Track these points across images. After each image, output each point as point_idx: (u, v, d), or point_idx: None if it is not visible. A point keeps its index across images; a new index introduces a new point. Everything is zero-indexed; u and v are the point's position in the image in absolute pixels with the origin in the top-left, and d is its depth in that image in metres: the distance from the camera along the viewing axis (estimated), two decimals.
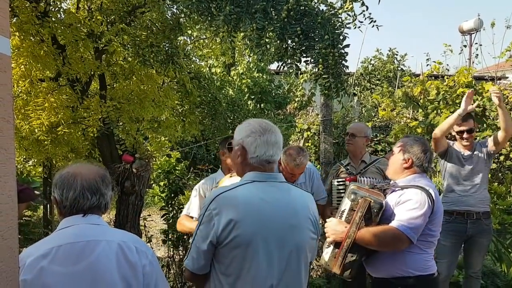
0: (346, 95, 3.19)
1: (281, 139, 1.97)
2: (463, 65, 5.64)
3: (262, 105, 8.05)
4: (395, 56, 13.12)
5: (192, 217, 3.19)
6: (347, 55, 2.89)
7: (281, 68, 3.25)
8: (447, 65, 6.44)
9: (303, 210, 1.93)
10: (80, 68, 3.54)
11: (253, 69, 7.86)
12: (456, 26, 14.43)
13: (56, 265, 1.55)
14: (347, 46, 2.93)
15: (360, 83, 12.73)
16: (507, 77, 14.29)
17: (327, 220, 2.68)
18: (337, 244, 2.54)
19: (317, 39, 2.81)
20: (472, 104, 3.83)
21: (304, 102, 9.40)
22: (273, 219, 1.83)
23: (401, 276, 2.53)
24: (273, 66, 9.30)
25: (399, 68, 12.62)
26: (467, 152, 4.01)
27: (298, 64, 3.03)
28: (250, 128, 1.95)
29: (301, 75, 9.26)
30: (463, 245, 4.07)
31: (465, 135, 3.98)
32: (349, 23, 3.00)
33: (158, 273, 1.74)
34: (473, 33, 14.14)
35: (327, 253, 2.62)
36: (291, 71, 2.93)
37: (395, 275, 2.55)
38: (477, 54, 8.35)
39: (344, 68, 2.97)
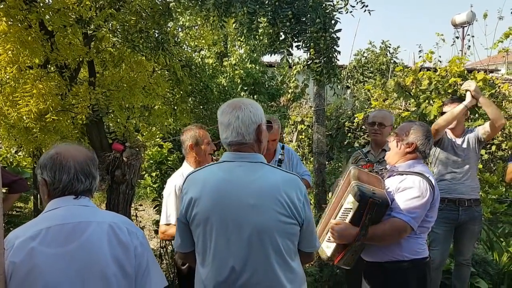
0: (338, 81, 3.17)
1: (238, 120, 1.81)
2: (464, 59, 5.63)
3: (255, 96, 8.02)
4: (387, 48, 13.12)
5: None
6: (338, 39, 2.87)
7: (272, 55, 3.22)
8: (440, 56, 6.47)
9: (270, 190, 1.77)
10: (69, 54, 3.48)
11: (246, 60, 7.82)
12: (449, 19, 14.45)
13: (45, 246, 1.52)
14: (339, 30, 2.91)
15: (353, 75, 12.72)
16: (499, 70, 14.35)
17: (333, 222, 2.53)
18: (342, 244, 2.48)
19: (308, 23, 2.78)
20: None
21: (297, 94, 9.38)
22: (230, 198, 1.77)
23: (396, 260, 2.52)
24: (266, 58, 9.27)
25: (392, 61, 12.62)
26: (459, 140, 4.01)
27: (290, 49, 2.99)
28: (219, 109, 1.93)
29: (294, 67, 9.23)
30: (454, 233, 4.08)
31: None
32: (341, 8, 2.97)
33: (149, 254, 1.71)
34: (466, 26, 14.18)
35: (328, 247, 2.55)
36: (282, 56, 2.89)
37: (390, 259, 2.54)
38: (469, 46, 8.33)
39: (336, 53, 2.94)
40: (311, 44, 2.74)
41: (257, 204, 1.75)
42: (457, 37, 8.99)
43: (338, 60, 2.88)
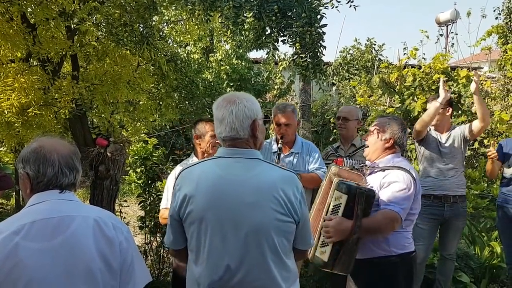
0: (324, 77, 3.18)
1: (231, 115, 1.78)
2: (448, 56, 5.72)
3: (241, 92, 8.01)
4: (373, 46, 13.22)
5: None
6: (324, 34, 2.87)
7: (258, 50, 3.22)
8: (424, 54, 6.54)
9: (268, 188, 1.75)
10: (51, 47, 3.43)
11: (232, 55, 7.79)
12: (434, 17, 14.62)
13: (29, 241, 1.49)
14: (325, 25, 2.91)
15: (339, 72, 12.79)
16: (482, 68, 14.57)
17: (325, 218, 2.47)
18: (338, 243, 2.41)
19: (294, 18, 2.78)
20: (448, 91, 3.87)
21: (283, 90, 9.40)
22: (227, 196, 1.74)
23: (385, 255, 2.54)
24: (252, 54, 9.26)
25: (377, 58, 12.72)
26: (444, 137, 4.05)
27: (276, 43, 2.99)
28: (215, 102, 1.90)
29: (280, 63, 9.23)
30: (439, 228, 4.13)
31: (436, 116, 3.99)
32: (326, 3, 2.98)
33: (134, 250, 1.69)
34: (450, 24, 14.37)
35: (324, 252, 2.45)
36: (268, 51, 2.89)
37: (378, 255, 2.55)
38: (453, 43, 8.47)
39: (322, 49, 2.95)
40: (297, 38, 2.74)
41: (254, 202, 1.73)
42: (441, 35, 9.10)
43: (324, 55, 2.89)
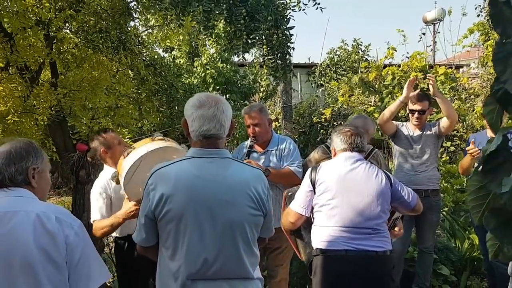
0: (295, 76, 3.26)
1: (223, 113, 1.90)
2: (425, 54, 5.83)
3: (227, 95, 8.06)
4: (359, 46, 13.33)
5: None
6: (291, 36, 2.95)
7: (230, 50, 3.30)
8: (407, 53, 6.64)
9: (241, 186, 1.90)
10: (29, 55, 3.49)
11: (217, 59, 7.86)
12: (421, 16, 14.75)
13: None
14: (292, 28, 2.99)
15: (327, 73, 12.88)
16: (470, 65, 14.72)
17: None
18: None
19: (261, 21, 2.86)
20: (414, 91, 4.00)
21: (269, 93, 9.49)
22: (204, 195, 1.84)
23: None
24: (238, 58, 9.30)
25: (364, 59, 12.83)
26: (417, 133, 4.15)
27: (245, 46, 3.08)
28: (191, 101, 1.96)
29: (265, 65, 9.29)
30: (415, 222, 4.22)
31: (416, 115, 4.10)
32: (294, 6, 3.07)
33: (87, 246, 1.72)
34: (436, 23, 14.52)
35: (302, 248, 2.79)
36: (236, 51, 2.97)
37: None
38: (435, 42, 8.58)
39: (290, 50, 3.03)
40: (264, 41, 2.83)
41: (229, 199, 1.86)
42: (424, 34, 9.23)
43: (292, 56, 2.98)
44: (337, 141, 2.76)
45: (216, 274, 1.85)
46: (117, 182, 2.70)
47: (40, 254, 1.61)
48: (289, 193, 2.96)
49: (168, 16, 3.16)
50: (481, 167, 1.52)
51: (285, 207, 2.94)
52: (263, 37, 2.83)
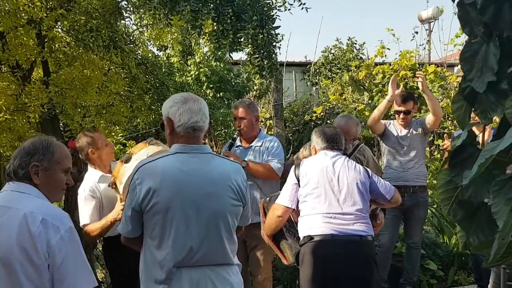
0: (281, 75, 3.33)
1: (206, 108, 2.09)
2: (415, 52, 5.91)
3: (221, 94, 8.11)
4: (354, 45, 13.39)
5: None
6: (277, 35, 3.01)
7: (218, 48, 3.36)
8: (400, 51, 6.72)
9: (222, 179, 2.07)
10: (20, 54, 3.54)
11: (211, 58, 7.92)
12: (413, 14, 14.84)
13: None
14: (277, 27, 3.06)
15: (322, 72, 12.94)
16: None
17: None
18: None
19: (247, 20, 2.93)
20: (398, 89, 4.11)
21: (263, 91, 9.54)
22: (189, 188, 1.99)
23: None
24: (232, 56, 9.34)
25: (358, 57, 12.89)
26: (404, 131, 4.25)
27: (232, 45, 3.14)
28: (172, 99, 2.11)
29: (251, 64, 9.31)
30: (402, 217, 4.32)
31: (401, 116, 4.21)
32: (280, 6, 3.13)
33: (72, 250, 1.72)
34: (432, 22, 14.60)
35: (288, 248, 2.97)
36: (223, 49, 3.03)
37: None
38: (428, 40, 8.67)
39: (276, 49, 3.10)
40: (249, 40, 2.89)
41: (213, 192, 2.02)
42: (416, 32, 9.32)
43: (277, 55, 3.05)
44: (318, 141, 2.94)
45: (199, 261, 1.99)
46: (112, 186, 2.73)
47: (21, 254, 1.65)
48: (267, 198, 3.13)
49: (157, 16, 3.22)
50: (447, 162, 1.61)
51: (264, 215, 3.06)
52: (249, 36, 2.89)
